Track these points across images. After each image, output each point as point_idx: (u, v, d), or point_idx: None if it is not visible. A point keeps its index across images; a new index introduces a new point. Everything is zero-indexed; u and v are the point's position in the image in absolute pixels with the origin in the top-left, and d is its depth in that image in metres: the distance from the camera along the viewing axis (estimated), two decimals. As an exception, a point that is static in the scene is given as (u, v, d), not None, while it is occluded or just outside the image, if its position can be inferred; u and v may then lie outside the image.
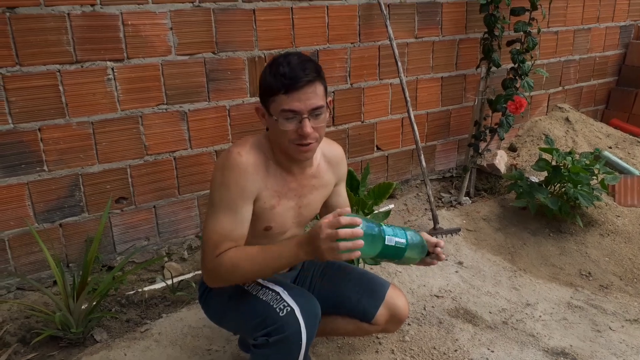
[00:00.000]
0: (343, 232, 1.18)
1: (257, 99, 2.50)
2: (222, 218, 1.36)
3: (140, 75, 2.21)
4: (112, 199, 2.26)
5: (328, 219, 1.22)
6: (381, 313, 1.63)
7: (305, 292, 1.48)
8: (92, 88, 2.13)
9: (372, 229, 1.27)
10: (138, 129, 2.26)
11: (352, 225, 1.20)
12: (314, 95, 1.34)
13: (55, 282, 2.13)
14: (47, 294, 1.96)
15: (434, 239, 1.46)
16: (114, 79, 2.16)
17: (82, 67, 2.09)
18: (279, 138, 1.38)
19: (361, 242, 1.19)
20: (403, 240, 1.33)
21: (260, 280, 1.49)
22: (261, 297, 1.43)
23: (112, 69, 2.15)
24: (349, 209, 1.25)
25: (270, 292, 1.44)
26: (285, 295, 1.41)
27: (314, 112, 1.35)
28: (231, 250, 1.35)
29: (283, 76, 1.31)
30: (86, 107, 2.14)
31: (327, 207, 1.66)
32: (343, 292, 1.63)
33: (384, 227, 1.31)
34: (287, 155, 1.43)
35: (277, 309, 1.36)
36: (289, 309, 1.36)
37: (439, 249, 1.47)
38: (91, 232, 2.24)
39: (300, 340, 1.35)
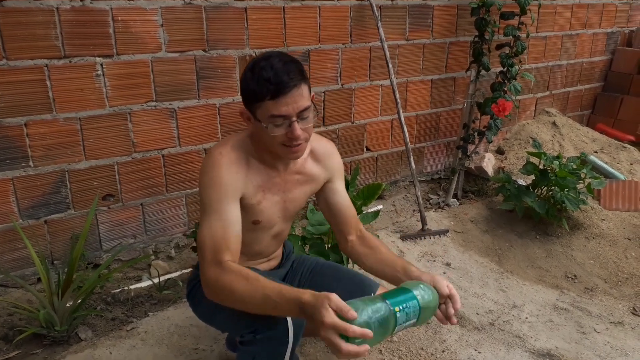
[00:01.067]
0: (346, 349, 1.05)
1: (247, 97, 2.49)
2: (212, 222, 1.35)
3: (130, 72, 2.19)
4: (98, 196, 2.23)
5: (333, 320, 1.06)
6: None
7: None
8: (80, 83, 2.10)
9: (384, 326, 1.11)
10: (126, 125, 2.24)
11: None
12: (300, 98, 1.32)
13: (39, 279, 2.10)
14: (31, 291, 1.93)
15: (445, 290, 1.28)
16: (103, 75, 2.14)
17: (70, 62, 2.06)
18: (267, 142, 1.37)
19: (367, 347, 1.08)
20: (414, 321, 1.18)
21: None
22: None
23: (101, 64, 2.12)
24: (356, 312, 1.08)
25: None
26: None
27: (302, 114, 1.34)
28: (233, 274, 1.27)
29: (268, 81, 1.28)
30: (74, 103, 2.11)
31: (328, 207, 1.62)
32: (332, 292, 1.62)
33: (398, 314, 1.13)
34: (273, 154, 1.43)
35: None
36: None
37: (450, 310, 1.28)
38: (77, 229, 2.21)
39: (287, 338, 1.34)
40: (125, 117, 2.23)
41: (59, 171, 2.14)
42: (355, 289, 1.63)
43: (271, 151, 1.42)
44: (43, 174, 2.11)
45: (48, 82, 2.04)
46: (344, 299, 1.64)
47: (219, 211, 1.35)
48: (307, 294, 1.15)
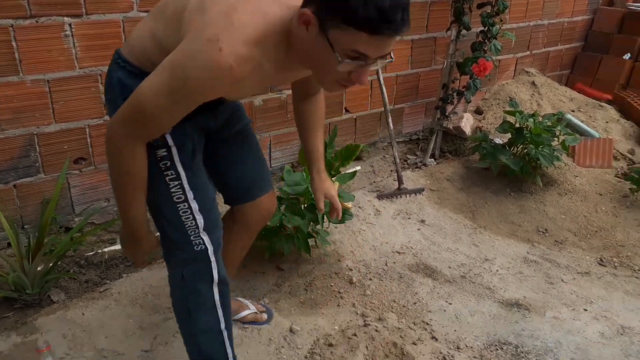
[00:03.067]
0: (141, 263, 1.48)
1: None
2: (169, 107, 1.14)
3: (100, 32, 2.14)
4: (69, 159, 2.21)
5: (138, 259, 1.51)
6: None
7: (217, 215, 1.45)
8: (47, 44, 2.05)
9: None
10: (97, 87, 2.20)
11: None
12: (395, 42, 1.09)
13: (9, 244, 2.08)
14: (0, 255, 1.93)
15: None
16: (72, 36, 2.08)
17: (37, 22, 2.01)
18: (321, 69, 1.13)
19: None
20: None
21: (184, 184, 1.36)
22: (180, 212, 1.37)
23: (70, 24, 2.07)
24: None
25: (187, 209, 1.37)
26: (200, 229, 1.38)
27: (382, 57, 1.10)
28: (137, 157, 1.22)
29: (380, 11, 0.99)
30: (41, 65, 2.06)
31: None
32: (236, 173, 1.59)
33: None
34: (297, 58, 1.18)
35: (194, 243, 1.39)
36: (203, 247, 1.39)
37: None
38: (48, 193, 2.19)
39: (212, 277, 1.42)
40: (96, 79, 2.19)
41: (28, 134, 2.11)
42: (246, 185, 1.61)
43: (302, 61, 1.17)
44: (11, 138, 2.08)
45: (14, 43, 1.99)
46: (234, 185, 1.60)
47: (177, 106, 1.15)
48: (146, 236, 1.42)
